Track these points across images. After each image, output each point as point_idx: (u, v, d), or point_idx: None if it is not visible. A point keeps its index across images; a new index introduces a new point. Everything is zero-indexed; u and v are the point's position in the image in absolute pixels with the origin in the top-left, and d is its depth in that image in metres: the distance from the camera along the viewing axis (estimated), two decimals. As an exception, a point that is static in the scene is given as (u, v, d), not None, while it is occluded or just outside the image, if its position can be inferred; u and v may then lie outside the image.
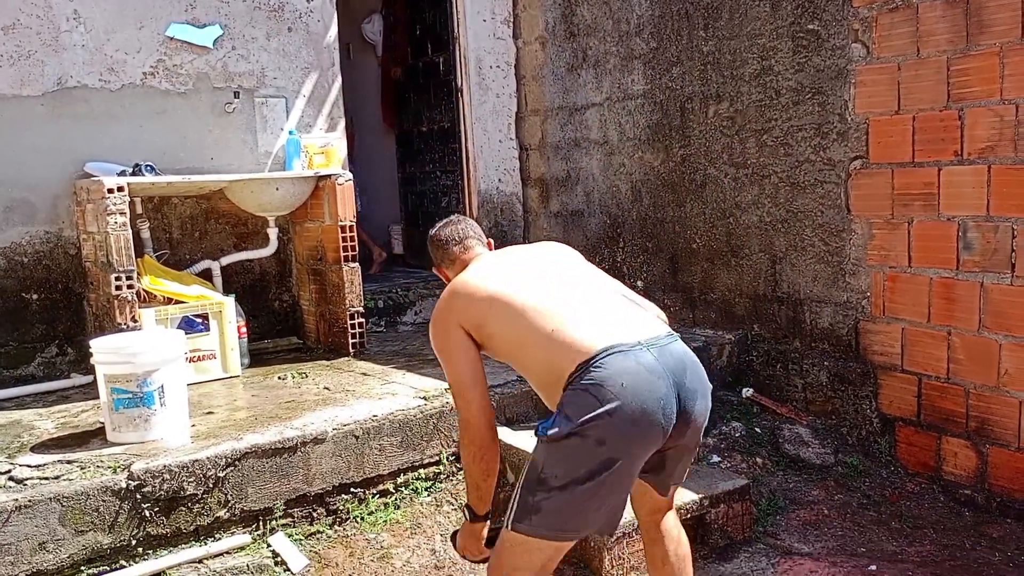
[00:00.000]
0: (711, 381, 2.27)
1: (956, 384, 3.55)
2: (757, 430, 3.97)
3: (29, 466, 2.93)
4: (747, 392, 4.24)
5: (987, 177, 3.35)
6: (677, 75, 4.63)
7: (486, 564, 2.33)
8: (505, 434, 3.47)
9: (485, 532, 2.35)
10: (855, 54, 3.78)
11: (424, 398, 3.55)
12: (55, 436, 3.29)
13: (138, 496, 2.86)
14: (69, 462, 2.97)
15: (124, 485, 2.84)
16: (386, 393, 3.66)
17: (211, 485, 2.98)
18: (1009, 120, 3.26)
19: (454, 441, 3.48)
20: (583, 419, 2.02)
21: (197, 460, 2.97)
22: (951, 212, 3.49)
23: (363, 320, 4.48)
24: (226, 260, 4.61)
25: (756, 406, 4.17)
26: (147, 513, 2.87)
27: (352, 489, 3.28)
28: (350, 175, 4.47)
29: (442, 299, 2.35)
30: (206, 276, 4.49)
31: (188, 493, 2.94)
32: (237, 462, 3.03)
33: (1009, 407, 3.37)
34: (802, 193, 4.07)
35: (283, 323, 4.93)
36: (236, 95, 4.65)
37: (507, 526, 2.16)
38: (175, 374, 3.25)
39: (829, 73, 3.89)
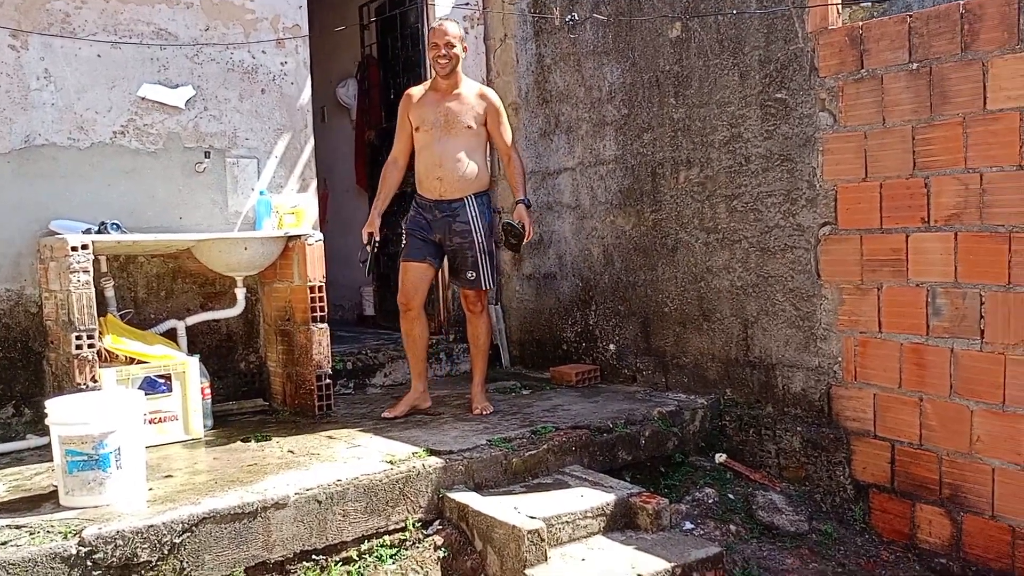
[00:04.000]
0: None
1: (929, 450, 3.52)
2: (730, 496, 3.91)
3: (-25, 532, 2.81)
4: (720, 458, 4.19)
5: (954, 244, 3.38)
6: (648, 141, 4.69)
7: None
8: (473, 500, 3.39)
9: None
10: (822, 122, 3.83)
11: (391, 462, 3.46)
12: (5, 500, 3.16)
13: (89, 563, 2.74)
14: (18, 527, 2.84)
15: (74, 551, 2.72)
16: (351, 457, 3.57)
17: (166, 552, 2.87)
18: (974, 188, 3.31)
19: (420, 507, 3.41)
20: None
21: (152, 525, 2.86)
22: (920, 278, 3.51)
23: (331, 382, 4.40)
24: (192, 320, 4.54)
25: (729, 472, 4.11)
26: (98, 582, 2.75)
27: (314, 556, 3.17)
28: (320, 235, 4.44)
29: None
30: (171, 336, 4.41)
31: (142, 560, 2.82)
32: (194, 528, 2.92)
33: (982, 474, 3.35)
34: (772, 258, 4.08)
35: (249, 384, 4.84)
36: (207, 155, 4.63)
37: (491, 287, 4.45)
38: (132, 436, 3.16)
39: (797, 141, 3.94)
